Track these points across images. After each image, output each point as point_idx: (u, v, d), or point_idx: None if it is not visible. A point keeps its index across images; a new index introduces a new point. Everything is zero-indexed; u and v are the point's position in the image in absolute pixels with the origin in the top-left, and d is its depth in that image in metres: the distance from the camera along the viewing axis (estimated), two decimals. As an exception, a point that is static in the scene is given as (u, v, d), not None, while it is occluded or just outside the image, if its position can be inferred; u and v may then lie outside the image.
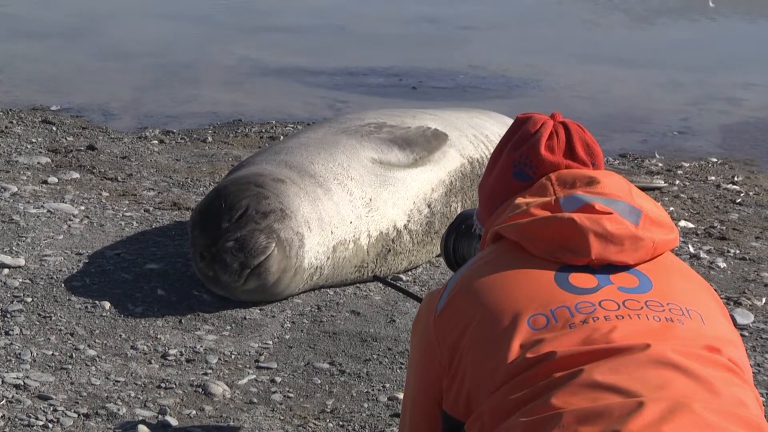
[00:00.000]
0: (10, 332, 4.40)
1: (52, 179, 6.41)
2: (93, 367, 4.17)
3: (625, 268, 2.70)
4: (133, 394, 3.98)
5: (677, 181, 7.15)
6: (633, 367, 2.40)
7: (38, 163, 6.75)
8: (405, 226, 5.21)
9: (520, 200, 2.85)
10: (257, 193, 4.80)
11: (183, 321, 4.63)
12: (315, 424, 3.87)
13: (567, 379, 2.40)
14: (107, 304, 4.70)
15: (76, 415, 3.81)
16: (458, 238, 3.50)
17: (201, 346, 4.40)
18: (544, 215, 2.75)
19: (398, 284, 4.51)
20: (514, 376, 2.48)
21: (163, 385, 4.07)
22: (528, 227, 2.75)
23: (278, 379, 4.18)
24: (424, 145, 5.39)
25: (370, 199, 5.09)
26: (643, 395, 2.33)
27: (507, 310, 2.59)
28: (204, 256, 4.72)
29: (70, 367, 4.16)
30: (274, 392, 4.08)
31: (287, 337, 4.55)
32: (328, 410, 3.97)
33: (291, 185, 4.93)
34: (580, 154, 2.97)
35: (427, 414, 2.78)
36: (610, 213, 2.73)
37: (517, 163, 2.96)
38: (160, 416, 3.84)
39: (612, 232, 2.69)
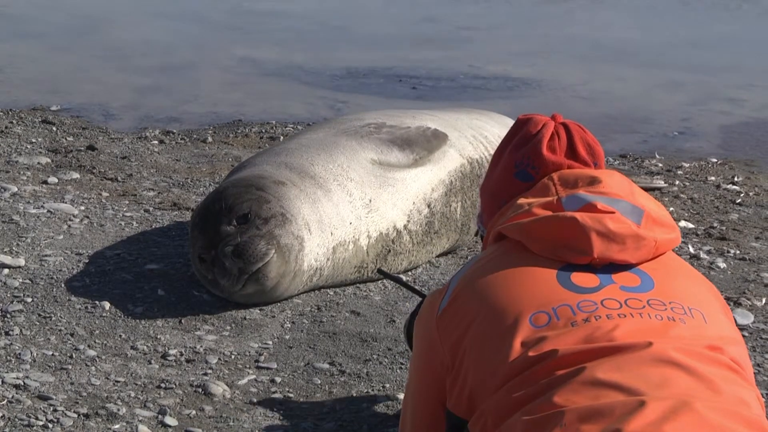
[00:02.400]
0: (10, 332, 4.40)
1: (52, 179, 6.41)
2: (93, 368, 4.17)
3: (627, 267, 2.71)
4: (133, 395, 3.98)
5: (677, 182, 7.15)
6: (635, 365, 2.41)
7: (38, 163, 6.75)
8: (405, 227, 5.21)
9: (522, 200, 2.86)
10: (258, 196, 4.79)
11: (183, 321, 4.63)
12: (315, 424, 3.87)
13: (569, 377, 2.41)
14: (107, 305, 4.70)
15: (76, 415, 3.81)
16: None
17: (201, 347, 4.40)
18: (546, 214, 2.77)
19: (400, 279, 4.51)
20: (516, 375, 2.48)
21: (163, 385, 4.07)
22: (530, 226, 2.76)
23: (278, 380, 4.18)
24: (423, 144, 5.39)
25: (370, 200, 5.09)
26: (644, 393, 2.33)
27: (509, 309, 2.60)
28: (203, 259, 4.72)
29: (70, 367, 4.16)
30: (274, 392, 4.08)
31: (287, 337, 4.55)
32: (328, 410, 3.97)
33: (291, 187, 4.92)
34: (581, 153, 2.99)
35: (429, 412, 2.79)
36: (612, 212, 2.74)
37: (519, 163, 2.98)
38: (160, 416, 3.84)
39: (614, 231, 2.70)
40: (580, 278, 2.65)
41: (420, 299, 3.80)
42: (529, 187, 2.94)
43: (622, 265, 2.70)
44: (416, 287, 4.31)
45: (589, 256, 2.69)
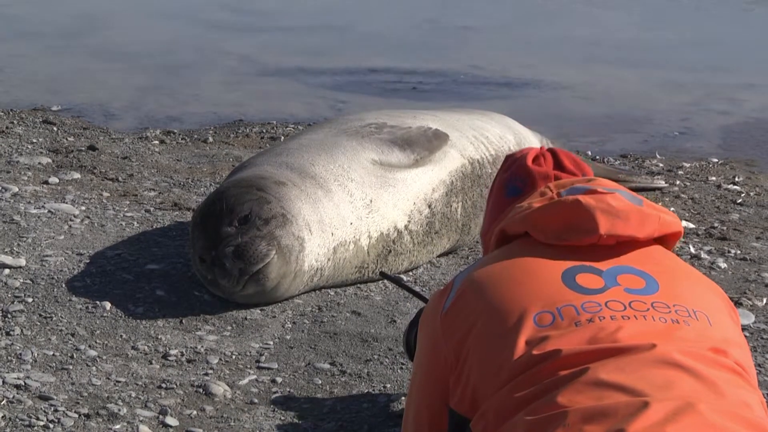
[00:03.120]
0: (11, 332, 4.40)
1: (53, 179, 6.41)
2: (94, 368, 4.17)
3: (631, 269, 2.71)
4: (133, 395, 3.98)
5: (678, 182, 7.15)
6: (638, 367, 2.41)
7: (39, 163, 6.75)
8: (405, 227, 5.21)
9: (521, 203, 2.90)
10: (259, 197, 4.79)
11: (184, 321, 4.63)
12: (315, 424, 3.87)
13: (572, 378, 2.41)
14: (108, 305, 4.70)
15: (76, 416, 3.81)
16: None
17: (202, 347, 4.40)
18: (550, 202, 2.81)
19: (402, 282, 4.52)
20: (520, 374, 2.48)
21: (163, 385, 4.07)
22: (534, 214, 2.80)
23: (279, 380, 4.18)
24: (424, 144, 5.39)
25: (371, 200, 5.09)
26: (648, 395, 2.34)
27: (513, 308, 2.61)
28: (204, 260, 4.72)
29: (70, 367, 4.16)
30: (274, 392, 4.08)
31: (288, 337, 4.55)
32: (329, 410, 3.97)
33: (292, 188, 4.92)
34: (568, 166, 3.06)
35: (432, 410, 2.79)
36: (613, 193, 2.80)
37: (507, 182, 3.06)
38: (160, 416, 3.84)
39: (617, 208, 2.75)
40: (585, 279, 2.66)
41: (419, 307, 3.83)
42: (520, 200, 3.00)
43: (628, 266, 2.71)
44: (417, 289, 4.31)
45: (596, 234, 2.71)
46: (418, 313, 3.70)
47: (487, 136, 5.86)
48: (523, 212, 2.83)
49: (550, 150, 3.13)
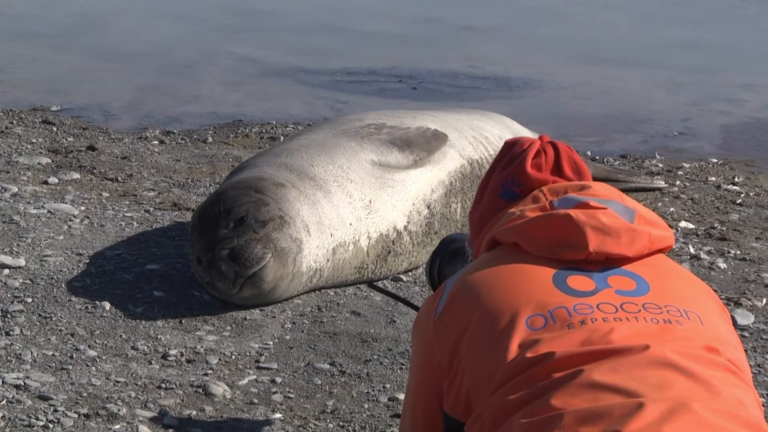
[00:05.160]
0: (11, 332, 4.40)
1: (53, 180, 6.41)
2: (93, 368, 4.18)
3: (621, 270, 2.70)
4: (133, 395, 3.98)
5: (678, 182, 7.16)
6: (632, 368, 2.41)
7: (38, 163, 6.75)
8: (405, 228, 5.21)
9: (513, 209, 2.88)
10: (257, 199, 4.79)
11: (183, 321, 4.63)
12: (315, 424, 3.87)
13: (566, 380, 2.40)
14: (107, 305, 4.70)
15: (76, 416, 3.81)
16: (443, 263, 3.51)
17: (201, 347, 4.40)
18: (541, 214, 2.79)
19: (393, 291, 4.50)
20: (513, 377, 2.48)
21: (163, 385, 4.07)
22: (525, 226, 2.77)
23: (278, 380, 4.18)
24: (423, 145, 5.39)
25: (370, 201, 5.09)
26: (643, 395, 2.33)
27: (505, 311, 2.60)
28: (201, 261, 4.72)
29: (70, 367, 4.16)
30: (274, 393, 4.09)
31: (288, 337, 4.55)
32: (329, 411, 3.98)
33: (291, 189, 4.92)
34: (567, 171, 3.02)
35: (427, 414, 2.79)
36: (605, 208, 2.77)
37: (504, 182, 3.02)
38: (160, 417, 3.84)
39: (608, 225, 2.72)
40: (576, 282, 2.65)
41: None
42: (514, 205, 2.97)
43: (618, 269, 2.70)
44: (412, 293, 4.29)
45: (585, 251, 2.69)
46: (441, 242, 3.57)
47: (486, 137, 5.86)
48: (514, 222, 2.81)
49: (552, 146, 3.06)
